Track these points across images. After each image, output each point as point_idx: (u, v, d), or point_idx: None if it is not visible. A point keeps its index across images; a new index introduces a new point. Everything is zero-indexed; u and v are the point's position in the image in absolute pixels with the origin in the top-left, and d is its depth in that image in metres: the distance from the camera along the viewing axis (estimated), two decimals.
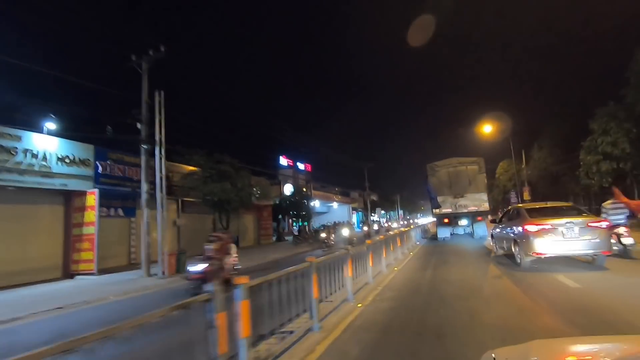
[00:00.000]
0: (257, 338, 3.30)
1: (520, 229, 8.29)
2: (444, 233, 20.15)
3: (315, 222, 46.59)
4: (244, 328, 2.87)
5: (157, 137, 13.34)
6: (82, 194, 14.25)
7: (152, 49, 13.73)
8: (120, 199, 16.55)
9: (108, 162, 15.35)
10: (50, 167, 12.89)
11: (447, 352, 3.46)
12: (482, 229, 18.93)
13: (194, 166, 17.96)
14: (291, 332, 3.87)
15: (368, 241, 7.31)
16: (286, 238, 31.62)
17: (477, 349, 3.13)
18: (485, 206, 20.01)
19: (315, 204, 42.26)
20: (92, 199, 14.03)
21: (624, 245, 8.47)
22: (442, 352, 3.47)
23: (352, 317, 4.85)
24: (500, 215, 12.07)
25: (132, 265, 16.77)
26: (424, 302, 5.52)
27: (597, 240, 7.35)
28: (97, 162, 14.72)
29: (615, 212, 8.74)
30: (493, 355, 1.45)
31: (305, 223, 33.83)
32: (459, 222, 20.16)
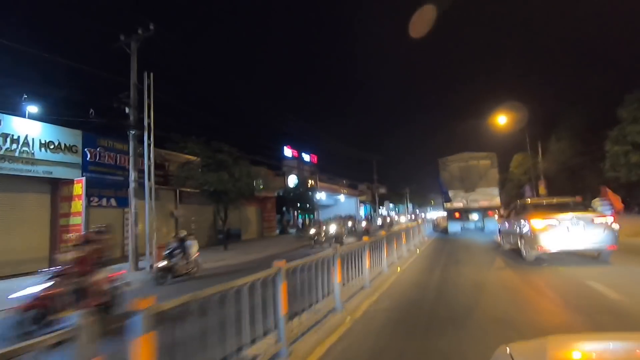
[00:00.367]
0: None
1: (525, 223, 8.33)
2: (454, 227, 20.09)
3: (322, 215, 45.77)
4: None
5: (145, 122, 12.46)
6: (70, 182, 13.50)
7: (142, 27, 12.79)
8: (113, 188, 15.78)
9: (98, 149, 14.56)
10: (32, 154, 12.14)
11: None
12: (493, 224, 18.19)
13: (190, 155, 17.09)
14: None
15: (365, 238, 6.26)
16: (290, 231, 30.79)
17: None
18: (497, 201, 19.90)
19: (321, 196, 41.30)
20: (79, 187, 13.26)
21: None
22: None
23: (335, 336, 3.84)
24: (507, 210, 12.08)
25: (125, 258, 16.06)
26: (427, 317, 4.47)
27: (603, 235, 7.39)
28: (85, 149, 13.94)
29: (603, 210, 9.47)
30: (508, 349, 1.36)
31: (311, 216, 32.94)
32: (469, 216, 20.08)
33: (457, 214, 20.31)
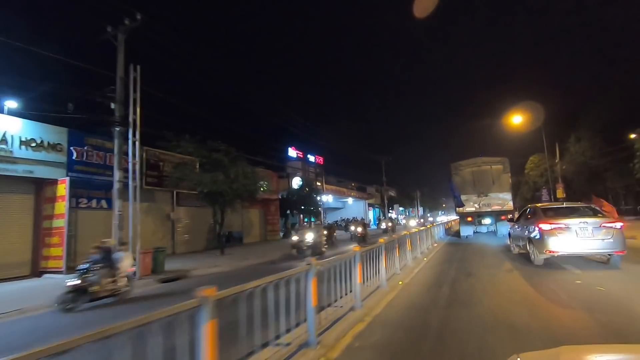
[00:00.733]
0: None
1: (534, 227, 8.45)
2: (467, 231, 20.29)
3: (330, 218, 44.63)
4: None
5: (130, 118, 11.61)
6: (54, 182, 12.74)
7: (129, 17, 11.98)
8: (103, 189, 14.97)
9: (86, 147, 13.81)
10: (11, 152, 11.42)
11: None
12: (506, 228, 17.84)
13: (184, 154, 16.22)
14: None
15: (356, 247, 5.16)
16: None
17: None
18: (509, 205, 19.94)
19: (328, 198, 40.22)
20: (63, 188, 12.48)
21: None
22: None
23: None
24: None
25: None
26: None
27: (611, 240, 7.45)
28: (71, 148, 13.18)
29: None
30: (519, 358, 1.36)
31: (315, 219, 31.86)
32: (482, 220, 20.16)
33: (469, 218, 20.35)
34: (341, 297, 4.68)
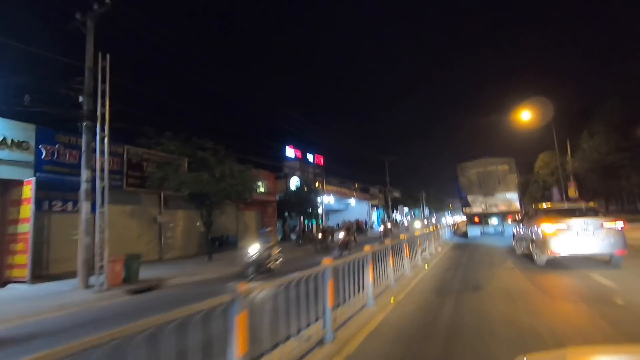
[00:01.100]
0: None
1: (537, 228, 8.56)
2: (474, 232, 20.45)
3: (332, 220, 43.31)
4: None
5: (98, 112, 10.51)
6: (20, 184, 11.70)
7: (97, 2, 10.92)
8: (76, 191, 13.90)
9: (57, 146, 12.74)
10: None
11: None
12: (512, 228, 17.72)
13: (166, 152, 15.09)
14: None
15: (326, 260, 3.92)
16: (293, 237, 28.56)
17: None
18: (516, 206, 20.05)
19: (329, 200, 38.94)
20: (29, 190, 11.43)
21: None
22: None
23: None
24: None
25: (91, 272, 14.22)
26: None
27: (612, 240, 7.56)
28: (39, 146, 12.12)
29: None
30: (525, 358, 1.36)
31: (315, 221, 30.60)
32: (489, 221, 20.34)
33: (476, 219, 20.54)
34: (302, 330, 3.45)
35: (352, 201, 46.80)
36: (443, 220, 59.05)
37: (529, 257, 9.46)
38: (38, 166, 12.01)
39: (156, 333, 1.93)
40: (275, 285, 3.18)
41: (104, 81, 10.67)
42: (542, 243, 8.12)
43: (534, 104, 24.94)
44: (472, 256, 11.32)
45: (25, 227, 11.29)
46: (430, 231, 13.26)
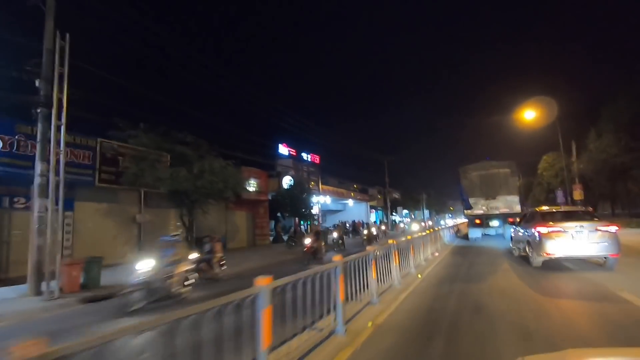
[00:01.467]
0: None
1: (533, 231, 8.83)
2: (475, 233, 20.71)
3: (329, 221, 42.12)
4: None
5: (54, 97, 9.38)
6: None
7: None
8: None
9: (17, 137, 11.63)
10: None
11: None
12: None
13: (140, 145, 13.91)
14: None
15: (261, 281, 2.76)
16: (285, 239, 27.40)
17: None
18: (517, 208, 20.22)
19: (326, 200, 37.79)
20: None
21: None
22: None
23: None
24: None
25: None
26: None
27: (606, 243, 7.81)
28: None
29: None
30: None
31: (311, 222, 29.41)
32: (490, 223, 20.56)
33: (478, 221, 20.73)
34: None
35: (350, 202, 45.66)
36: (443, 222, 57.80)
37: (526, 259, 9.51)
38: None
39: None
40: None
41: (62, 64, 9.55)
42: (538, 245, 8.40)
43: (538, 104, 23.89)
44: (473, 265, 10.12)
45: None
46: (427, 234, 12.06)
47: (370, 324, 4.56)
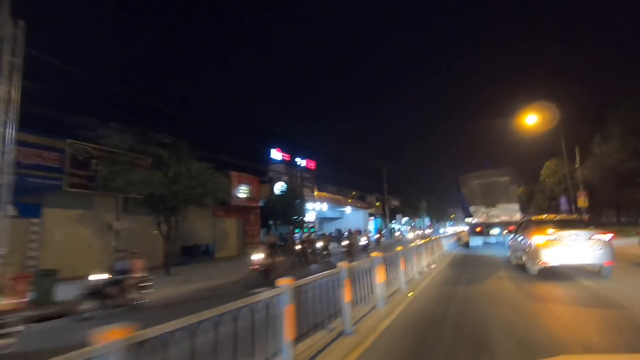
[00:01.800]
0: None
1: (528, 239, 8.94)
2: (476, 242, 20.78)
3: (327, 230, 40.92)
4: None
5: (1, 93, 8.40)
6: None
7: None
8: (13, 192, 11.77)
9: None
10: None
11: None
12: None
13: (112, 147, 12.87)
14: None
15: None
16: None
17: None
18: (517, 217, 20.14)
19: (322, 207, 36.70)
20: None
21: None
22: None
23: None
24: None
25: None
26: None
27: (601, 251, 7.90)
28: None
29: None
30: None
31: (307, 230, 28.22)
32: (490, 231, 20.61)
33: (478, 229, 20.76)
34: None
35: (348, 209, 44.53)
36: (442, 230, 56.52)
37: (523, 268, 9.50)
38: None
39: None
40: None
41: (14, 54, 8.59)
42: (533, 253, 8.44)
43: (540, 108, 22.96)
44: (472, 279, 8.98)
45: None
46: (422, 244, 10.95)
47: None
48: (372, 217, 50.43)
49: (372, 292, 5.69)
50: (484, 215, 20.85)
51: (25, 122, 12.22)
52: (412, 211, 60.55)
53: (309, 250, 16.50)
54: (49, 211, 13.65)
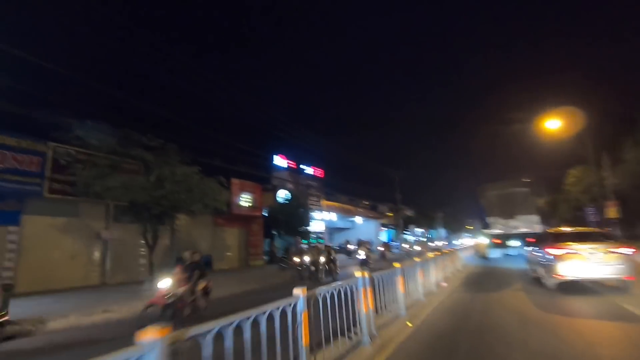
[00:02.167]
0: None
1: (545, 252, 8.87)
2: (495, 253, 20.77)
3: (337, 240, 39.41)
4: None
5: None
6: None
7: None
8: None
9: None
10: None
11: None
12: None
13: (92, 150, 11.94)
14: None
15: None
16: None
17: None
18: (537, 228, 19.89)
19: (331, 217, 35.32)
20: None
21: None
22: None
23: None
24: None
25: None
26: None
27: (620, 265, 7.72)
28: None
29: None
30: None
31: (321, 241, 26.87)
32: (510, 243, 20.39)
33: (497, 240, 20.72)
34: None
35: (359, 219, 42.97)
36: (459, 242, 54.01)
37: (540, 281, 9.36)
38: None
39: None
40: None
41: None
42: (550, 266, 8.36)
43: (563, 112, 21.26)
44: (489, 306, 7.46)
45: None
46: (430, 259, 9.47)
47: None
48: (384, 228, 48.63)
49: (358, 323, 4.36)
50: (503, 227, 20.68)
51: (2, 124, 11.48)
52: (427, 222, 58.32)
53: (313, 267, 14.35)
54: (29, 218, 12.81)
